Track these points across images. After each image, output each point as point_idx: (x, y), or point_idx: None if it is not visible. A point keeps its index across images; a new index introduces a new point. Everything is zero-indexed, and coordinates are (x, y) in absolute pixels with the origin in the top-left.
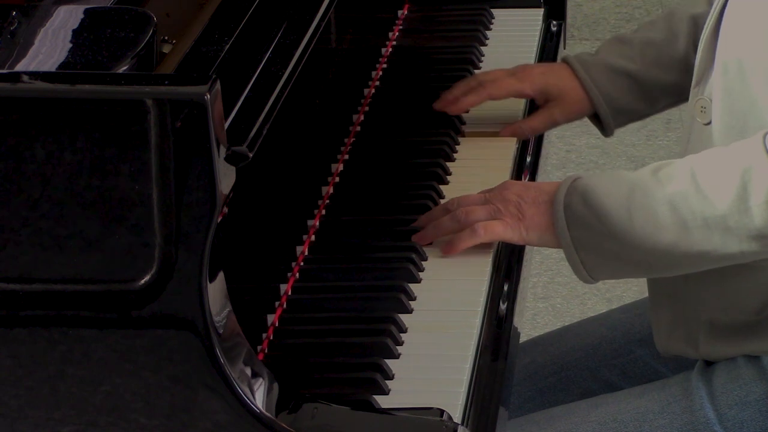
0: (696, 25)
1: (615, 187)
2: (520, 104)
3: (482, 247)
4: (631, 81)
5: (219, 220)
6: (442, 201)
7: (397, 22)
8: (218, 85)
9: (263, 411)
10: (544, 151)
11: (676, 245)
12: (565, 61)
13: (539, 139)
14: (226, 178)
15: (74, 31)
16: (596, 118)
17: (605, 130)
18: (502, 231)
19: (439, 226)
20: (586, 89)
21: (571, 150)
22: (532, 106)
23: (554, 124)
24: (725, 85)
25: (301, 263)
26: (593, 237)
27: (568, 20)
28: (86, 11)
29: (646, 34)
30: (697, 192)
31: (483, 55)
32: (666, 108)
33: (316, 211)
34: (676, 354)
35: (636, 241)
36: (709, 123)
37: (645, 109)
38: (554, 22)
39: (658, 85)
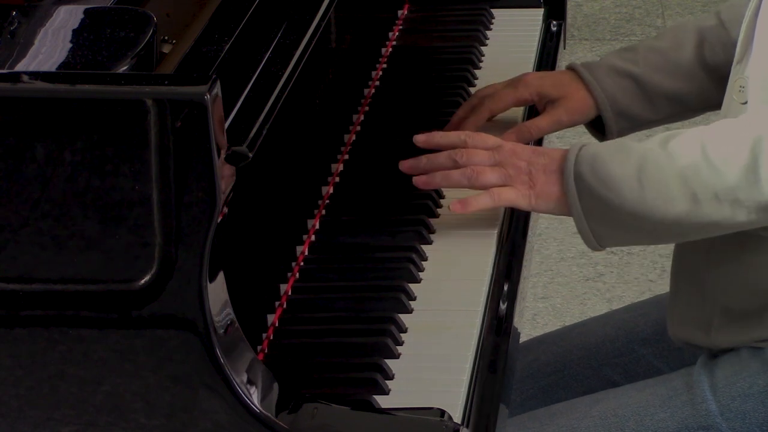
0: (703, 37)
1: (625, 157)
2: (519, 108)
3: (482, 247)
4: (634, 83)
5: (219, 220)
6: (442, 200)
7: (397, 22)
8: (218, 85)
9: (263, 411)
10: None
11: (686, 216)
12: (568, 67)
13: (539, 139)
14: (226, 178)
15: (74, 31)
16: (595, 128)
17: (606, 136)
18: (514, 197)
19: (449, 177)
20: (590, 89)
21: None
22: (531, 112)
23: (560, 124)
24: (760, 64)
25: (301, 263)
26: (604, 207)
27: (568, 20)
28: (86, 11)
29: (651, 43)
30: (707, 165)
31: (483, 55)
32: (668, 120)
33: (316, 211)
34: (686, 340)
35: (647, 213)
36: (746, 103)
37: (647, 114)
38: (554, 22)
39: (661, 90)
